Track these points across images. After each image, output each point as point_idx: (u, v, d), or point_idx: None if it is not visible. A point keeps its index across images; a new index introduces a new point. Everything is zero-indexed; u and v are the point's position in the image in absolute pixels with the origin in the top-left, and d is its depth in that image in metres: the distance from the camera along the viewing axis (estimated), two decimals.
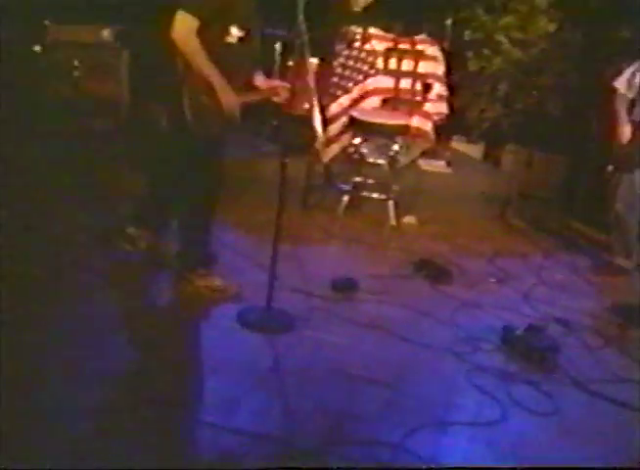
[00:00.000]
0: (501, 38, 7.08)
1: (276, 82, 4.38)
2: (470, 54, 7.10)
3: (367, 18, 6.29)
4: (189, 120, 4.00)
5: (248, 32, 4.02)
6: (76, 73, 6.50)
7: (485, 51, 7.12)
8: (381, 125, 5.52)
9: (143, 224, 4.57)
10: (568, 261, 5.71)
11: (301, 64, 5.75)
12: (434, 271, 5.06)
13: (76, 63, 6.50)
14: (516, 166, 7.10)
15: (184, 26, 3.86)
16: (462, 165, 6.60)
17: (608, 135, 5.68)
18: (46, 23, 6.53)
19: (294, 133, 6.02)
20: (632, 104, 5.51)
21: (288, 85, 4.23)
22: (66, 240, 4.74)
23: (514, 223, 6.35)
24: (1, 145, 5.67)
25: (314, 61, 5.99)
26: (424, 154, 6.39)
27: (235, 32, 3.98)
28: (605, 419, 3.74)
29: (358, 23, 6.17)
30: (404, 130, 5.66)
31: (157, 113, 6.65)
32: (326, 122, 5.93)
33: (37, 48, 6.49)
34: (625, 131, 5.37)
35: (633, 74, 5.43)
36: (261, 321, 4.11)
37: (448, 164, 6.47)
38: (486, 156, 7.43)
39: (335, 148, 6.00)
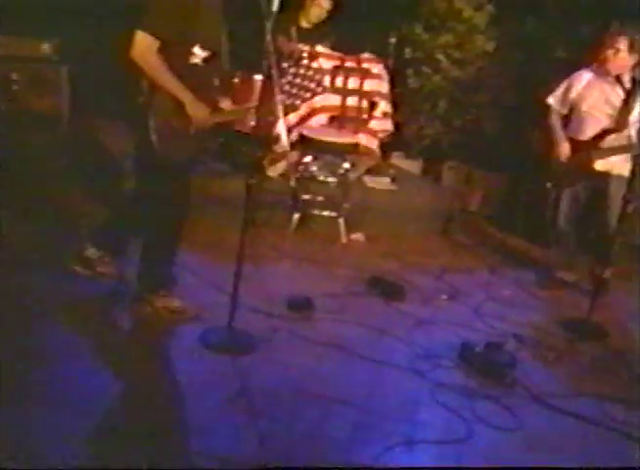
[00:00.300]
0: (440, 57, 7.19)
1: (244, 106, 4.34)
2: (410, 72, 7.15)
3: (315, 35, 6.33)
4: (155, 142, 3.95)
5: (213, 53, 3.97)
6: (15, 87, 6.33)
7: (425, 69, 7.21)
8: (330, 143, 5.54)
9: (103, 246, 4.47)
10: (512, 277, 5.82)
11: (247, 81, 5.78)
12: (386, 288, 5.09)
13: (15, 76, 6.33)
14: (456, 183, 7.23)
15: (143, 46, 3.79)
16: (404, 182, 6.65)
17: (546, 152, 5.79)
18: None
19: (240, 151, 6.05)
20: (566, 120, 5.67)
21: (251, 105, 4.20)
22: (17, 260, 4.61)
23: (457, 239, 6.44)
24: None
25: (258, 78, 5.95)
26: (369, 171, 6.42)
27: (199, 53, 3.93)
28: (567, 433, 3.82)
29: (306, 41, 6.20)
30: (353, 148, 5.70)
31: (99, 129, 6.61)
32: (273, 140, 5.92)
33: None
34: (564, 148, 5.49)
35: (566, 90, 5.58)
36: (224, 342, 4.06)
37: (393, 180, 6.53)
38: (425, 172, 7.52)
39: (282, 165, 6.00)
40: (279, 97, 5.68)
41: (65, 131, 6.54)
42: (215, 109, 4.15)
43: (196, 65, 3.94)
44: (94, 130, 6.74)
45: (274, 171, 6.00)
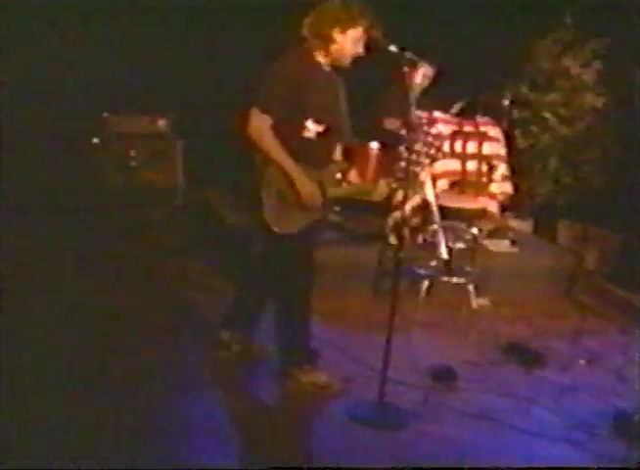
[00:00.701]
0: (547, 115, 7.14)
1: (370, 180, 4.37)
2: (518, 132, 7.12)
3: (424, 100, 6.34)
4: (267, 216, 4.00)
5: (327, 127, 4.01)
6: (133, 164, 6.53)
7: (533, 128, 7.17)
8: (457, 209, 5.53)
9: (235, 327, 4.50)
10: None
11: (363, 149, 5.83)
12: (525, 355, 4.99)
13: (133, 153, 6.53)
14: (572, 242, 7.12)
15: (259, 123, 3.89)
16: (523, 244, 6.57)
17: None
18: (105, 115, 6.57)
19: (361, 221, 6.08)
20: None
21: (390, 182, 4.23)
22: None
23: (581, 300, 6.32)
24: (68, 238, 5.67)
25: (374, 145, 6.01)
26: (489, 234, 6.37)
27: (312, 127, 3.98)
28: None
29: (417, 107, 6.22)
30: (481, 214, 5.68)
31: (217, 202, 6.73)
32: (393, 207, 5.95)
33: (96, 140, 6.52)
34: None
35: None
36: (375, 417, 4.02)
37: (513, 242, 6.46)
38: (536, 232, 7.42)
39: (404, 232, 5.98)
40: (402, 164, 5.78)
41: (182, 205, 6.67)
42: (342, 181, 4.18)
43: (310, 139, 3.98)
44: (210, 203, 6.87)
45: (396, 239, 5.98)
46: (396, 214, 5.94)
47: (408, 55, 4.07)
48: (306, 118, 3.94)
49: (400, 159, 5.97)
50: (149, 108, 6.63)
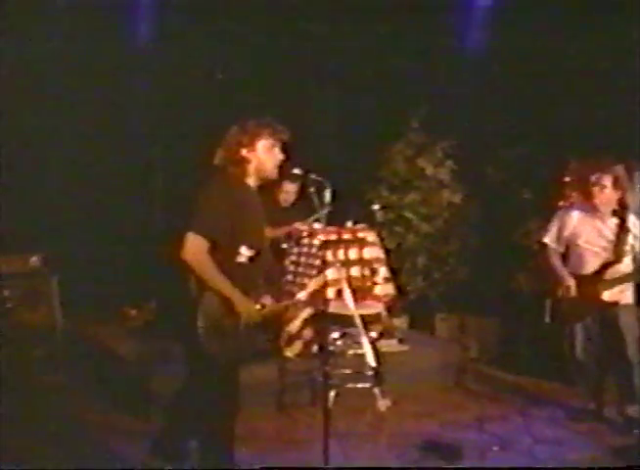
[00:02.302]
0: (409, 215, 7.46)
1: (283, 303, 4.41)
2: (385, 233, 7.36)
3: (294, 212, 6.49)
4: (204, 339, 3.94)
5: (258, 252, 4.05)
6: (8, 305, 6.28)
7: (398, 229, 7.46)
8: (352, 316, 5.61)
9: (163, 456, 4.33)
10: (543, 415, 5.88)
11: None
12: (442, 450, 5.07)
13: (7, 293, 6.29)
14: (449, 333, 7.37)
15: (195, 247, 3.86)
16: (409, 341, 6.74)
17: (543, 290, 6.02)
18: None
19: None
20: (563, 257, 5.94)
21: (301, 303, 4.28)
22: None
23: (473, 389, 6.51)
24: None
25: None
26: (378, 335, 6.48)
27: (244, 252, 4.01)
28: None
29: (287, 220, 6.35)
30: (376, 318, 5.79)
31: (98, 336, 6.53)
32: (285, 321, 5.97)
33: None
34: (569, 284, 5.69)
35: (559, 229, 5.86)
36: None
37: (400, 341, 6.61)
38: (412, 326, 7.62)
39: (298, 344, 6.01)
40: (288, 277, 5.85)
41: (61, 342, 6.46)
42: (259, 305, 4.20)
43: (242, 264, 4.00)
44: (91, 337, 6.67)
45: (292, 352, 5.99)
46: (290, 327, 5.97)
47: (313, 176, 4.21)
48: (240, 244, 3.95)
49: (287, 272, 6.07)
50: (20, 246, 6.43)
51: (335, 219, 6.56)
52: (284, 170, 4.25)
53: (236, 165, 4.02)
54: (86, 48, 6.86)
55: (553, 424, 5.73)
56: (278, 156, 4.10)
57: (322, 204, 4.22)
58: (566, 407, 6.01)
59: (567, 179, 6.90)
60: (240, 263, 3.99)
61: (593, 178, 5.64)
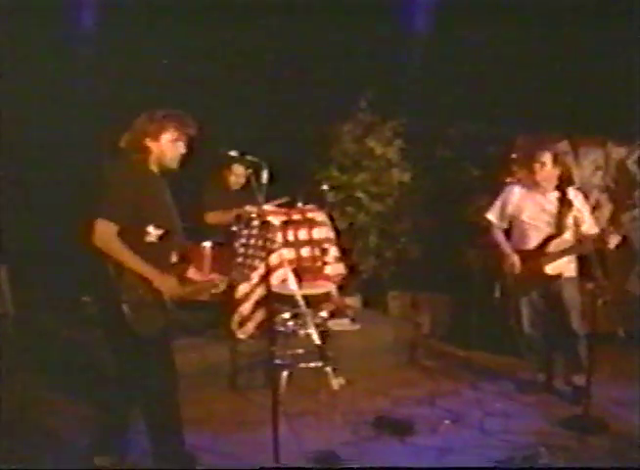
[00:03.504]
0: (360, 194, 7.50)
1: (212, 275, 4.41)
2: (336, 213, 7.38)
3: (245, 195, 6.48)
4: (129, 318, 3.96)
5: (167, 231, 4.08)
6: None
7: (349, 208, 7.49)
8: (304, 296, 5.65)
9: (109, 450, 4.33)
10: (495, 389, 5.98)
11: (196, 249, 5.85)
12: (394, 426, 5.13)
13: None
14: (402, 311, 7.44)
15: (105, 231, 3.90)
16: (359, 319, 6.79)
17: (491, 267, 6.12)
18: None
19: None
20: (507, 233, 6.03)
21: (224, 277, 4.30)
22: None
23: (426, 364, 6.59)
24: None
25: (207, 245, 6.06)
26: (330, 315, 6.53)
27: (153, 232, 4.04)
28: None
29: (239, 203, 6.35)
30: (326, 297, 5.83)
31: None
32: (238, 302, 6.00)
33: None
34: (515, 259, 5.79)
35: (503, 206, 5.95)
36: None
37: (352, 320, 6.66)
38: (366, 306, 7.68)
39: (250, 326, 6.04)
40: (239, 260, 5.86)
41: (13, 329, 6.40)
42: (183, 280, 4.21)
43: (152, 242, 4.03)
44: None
45: (244, 333, 6.01)
46: (241, 310, 5.99)
47: (249, 158, 4.22)
48: (147, 224, 3.98)
49: (237, 254, 6.08)
50: None
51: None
52: (222, 154, 4.26)
53: (139, 152, 4.07)
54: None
55: (503, 397, 5.81)
56: (180, 149, 4.14)
57: (259, 184, 4.23)
58: (515, 380, 6.11)
59: (513, 156, 6.98)
60: (150, 243, 4.02)
61: (534, 155, 5.73)
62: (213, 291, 4.44)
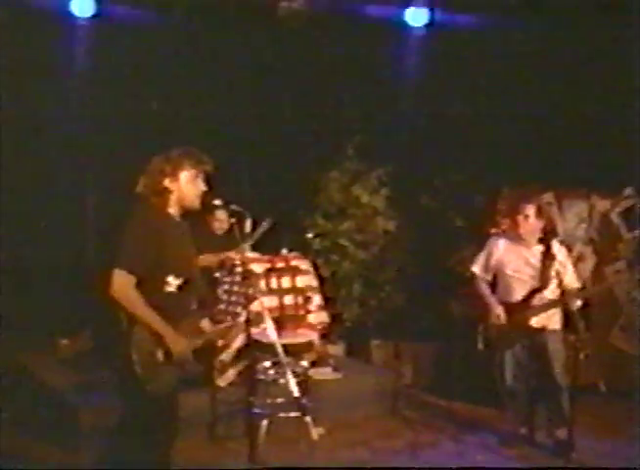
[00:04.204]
0: (345, 242, 7.51)
1: (222, 325, 4.39)
2: (320, 261, 7.38)
3: (229, 240, 6.47)
4: (140, 376, 3.90)
5: (186, 280, 4.04)
6: None
7: (334, 256, 7.49)
8: (286, 345, 5.61)
9: None
10: (476, 442, 5.94)
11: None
12: None
13: None
14: (386, 360, 7.40)
15: (122, 283, 3.83)
16: (341, 368, 6.75)
17: (472, 317, 6.12)
18: None
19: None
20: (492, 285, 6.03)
21: (237, 325, 4.26)
22: None
23: (408, 415, 6.54)
24: None
25: None
26: (312, 364, 6.48)
27: (173, 282, 3.99)
28: None
29: (223, 247, 6.34)
30: (308, 347, 5.81)
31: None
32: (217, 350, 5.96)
33: None
34: (498, 311, 5.78)
35: (487, 258, 5.96)
36: None
37: (334, 369, 6.62)
38: (349, 354, 7.64)
39: (231, 373, 5.99)
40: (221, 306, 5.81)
41: None
42: (196, 331, 4.17)
43: (171, 293, 3.98)
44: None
45: (224, 381, 5.97)
46: (223, 356, 5.95)
47: (233, 207, 4.21)
48: (167, 274, 3.92)
49: (220, 301, 6.04)
50: None
51: (269, 248, 6.63)
52: (208, 200, 4.25)
53: (158, 195, 3.99)
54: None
55: (484, 449, 5.76)
56: (200, 186, 4.08)
57: (242, 234, 4.22)
58: (497, 433, 6.05)
59: (499, 207, 7.01)
60: (169, 293, 3.96)
61: (517, 208, 5.75)
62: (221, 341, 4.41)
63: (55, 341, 6.85)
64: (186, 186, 4.03)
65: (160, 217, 3.98)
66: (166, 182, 3.99)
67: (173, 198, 4.02)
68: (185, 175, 4.02)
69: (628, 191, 7.28)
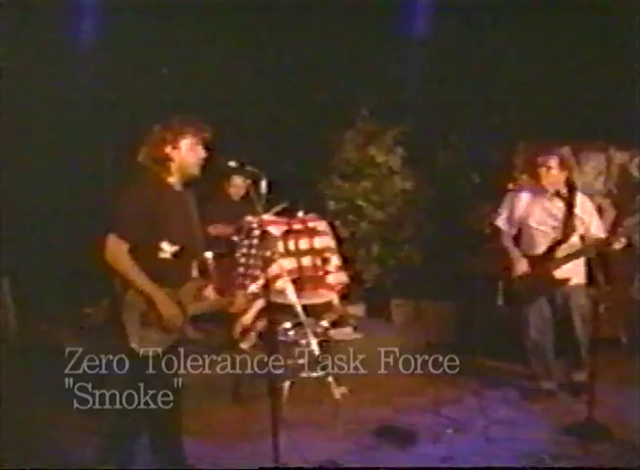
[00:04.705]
0: (362, 203, 7.49)
1: (225, 298, 4.42)
2: (338, 223, 7.38)
3: (246, 206, 6.48)
4: (132, 339, 3.95)
5: (182, 247, 4.06)
6: None
7: (351, 217, 7.48)
8: (304, 306, 5.63)
9: (111, 463, 4.32)
10: (499, 397, 5.96)
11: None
12: (397, 435, 5.12)
13: None
14: (407, 319, 7.42)
15: (116, 249, 3.92)
16: (364, 328, 6.77)
17: (494, 274, 6.11)
18: None
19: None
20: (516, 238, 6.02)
21: (246, 293, 4.29)
22: None
23: (431, 372, 6.53)
24: None
25: (209, 255, 6.08)
26: (332, 324, 6.51)
27: (167, 248, 4.03)
28: None
29: (240, 214, 6.35)
30: (327, 307, 5.82)
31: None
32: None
33: None
34: (522, 265, 5.79)
35: (510, 212, 5.94)
36: None
37: (355, 329, 6.64)
38: (369, 314, 7.66)
39: (252, 336, 6.03)
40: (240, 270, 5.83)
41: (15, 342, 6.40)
42: (196, 298, 4.21)
43: (166, 259, 4.02)
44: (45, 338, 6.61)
45: (247, 344, 6.01)
46: (243, 320, 5.99)
47: (248, 168, 4.23)
48: (161, 240, 3.96)
49: (238, 265, 6.06)
50: None
51: (286, 209, 6.64)
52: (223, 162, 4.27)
53: (159, 164, 4.05)
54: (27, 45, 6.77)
55: (508, 405, 5.78)
56: (201, 153, 4.14)
57: (259, 195, 4.24)
58: (519, 388, 6.08)
59: (515, 162, 6.97)
60: (164, 259, 4.02)
61: (539, 160, 5.70)
62: (234, 310, 4.45)
63: (79, 310, 6.89)
64: (187, 154, 4.09)
65: (158, 186, 4.04)
66: (168, 149, 4.04)
67: (174, 166, 4.08)
68: (186, 143, 4.08)
69: None
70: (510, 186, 6.78)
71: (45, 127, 7.01)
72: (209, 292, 4.30)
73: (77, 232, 7.20)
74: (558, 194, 5.73)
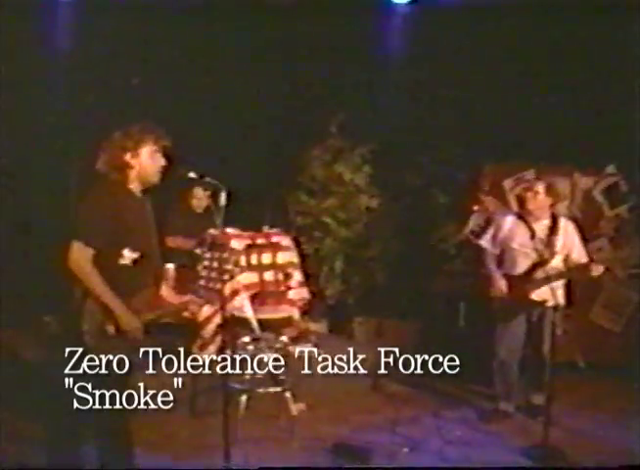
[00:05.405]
0: (327, 220, 7.50)
1: (186, 297, 4.40)
2: (303, 239, 7.37)
3: (209, 218, 6.45)
4: (88, 342, 3.93)
5: (143, 255, 4.04)
6: None
7: (316, 233, 7.49)
8: (265, 320, 5.62)
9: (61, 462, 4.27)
10: (456, 417, 5.96)
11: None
12: (351, 452, 5.10)
13: None
14: (368, 337, 7.41)
15: (80, 256, 3.89)
16: (326, 346, 6.72)
17: (457, 295, 6.15)
18: None
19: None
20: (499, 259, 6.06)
21: (200, 300, 4.27)
22: None
23: (391, 391, 6.55)
24: None
25: (171, 267, 6.06)
26: (292, 340, 6.48)
27: (127, 254, 4.01)
28: None
29: (203, 225, 6.33)
30: (288, 322, 5.80)
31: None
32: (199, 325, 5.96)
33: None
34: (502, 285, 5.84)
35: (495, 232, 6.01)
36: None
37: (315, 346, 6.61)
38: (331, 331, 7.66)
39: (211, 349, 5.99)
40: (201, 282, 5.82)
41: None
42: (156, 302, 4.20)
43: (126, 266, 4.00)
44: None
45: (205, 356, 5.95)
46: (203, 333, 5.95)
47: (208, 180, 4.22)
48: (124, 247, 3.95)
49: (199, 277, 6.04)
50: None
51: (252, 224, 6.63)
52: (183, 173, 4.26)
53: (119, 171, 4.03)
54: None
55: (464, 425, 5.78)
56: (160, 161, 4.12)
57: (218, 207, 4.24)
58: (478, 408, 6.08)
59: (481, 184, 7.02)
60: (124, 266, 4.00)
61: (527, 185, 5.95)
62: (186, 314, 4.43)
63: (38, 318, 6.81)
64: (147, 161, 4.06)
65: (119, 193, 4.01)
66: (127, 157, 4.02)
67: (134, 173, 4.06)
68: (146, 151, 4.05)
69: (611, 168, 7.30)
70: (475, 208, 6.81)
71: (10, 134, 6.94)
72: (166, 292, 4.27)
73: (39, 239, 7.16)
74: (542, 218, 5.79)
